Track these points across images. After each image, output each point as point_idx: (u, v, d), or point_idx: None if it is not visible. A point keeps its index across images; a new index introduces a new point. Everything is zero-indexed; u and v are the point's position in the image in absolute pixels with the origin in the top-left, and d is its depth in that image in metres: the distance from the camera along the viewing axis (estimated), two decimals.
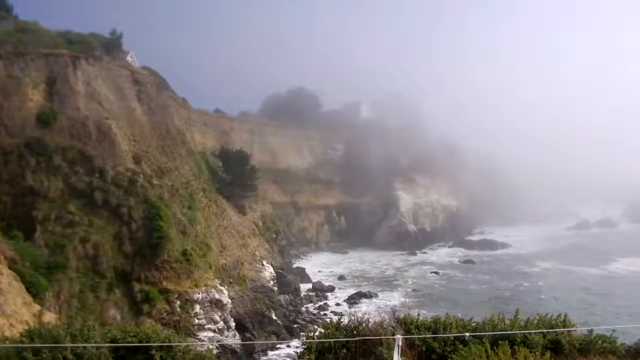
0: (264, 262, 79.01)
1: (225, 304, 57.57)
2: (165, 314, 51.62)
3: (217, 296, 56.73)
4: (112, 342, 11.42)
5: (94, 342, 11.06)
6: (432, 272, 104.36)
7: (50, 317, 33.89)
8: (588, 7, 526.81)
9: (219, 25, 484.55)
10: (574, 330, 13.49)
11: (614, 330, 13.77)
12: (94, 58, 67.76)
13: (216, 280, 59.65)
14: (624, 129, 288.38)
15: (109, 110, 64.20)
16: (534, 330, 12.85)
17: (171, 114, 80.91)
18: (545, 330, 13.01)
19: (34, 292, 39.09)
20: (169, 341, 11.79)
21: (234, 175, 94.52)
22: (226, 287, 61.17)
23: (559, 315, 13.83)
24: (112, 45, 75.93)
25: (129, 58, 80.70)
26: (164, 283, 52.89)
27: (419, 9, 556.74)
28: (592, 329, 13.59)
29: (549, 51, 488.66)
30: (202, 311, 54.37)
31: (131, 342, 11.41)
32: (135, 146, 64.52)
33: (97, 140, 59.44)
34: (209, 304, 55.61)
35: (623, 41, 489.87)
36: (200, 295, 54.82)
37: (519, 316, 13.63)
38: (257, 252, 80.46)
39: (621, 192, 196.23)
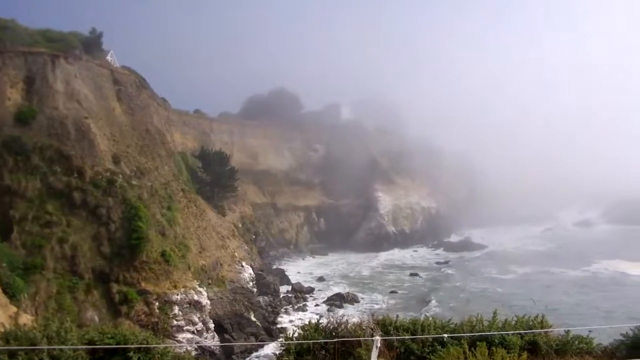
0: (243, 264, 78.85)
1: (204, 306, 57.36)
2: (143, 315, 51.28)
3: (196, 297, 56.50)
4: (89, 343, 11.33)
5: (71, 344, 10.97)
6: (410, 274, 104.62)
7: (26, 318, 33.59)
8: (576, 7, 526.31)
9: (199, 25, 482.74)
10: (551, 331, 13.56)
11: (590, 331, 13.88)
12: (74, 57, 67.40)
13: (195, 281, 59.41)
14: (605, 131, 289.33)
15: (88, 109, 63.87)
16: (511, 331, 12.93)
17: (151, 114, 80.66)
18: (522, 331, 13.09)
19: (10, 293, 38.78)
20: (147, 343, 11.71)
21: (213, 176, 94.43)
22: (205, 288, 60.93)
23: (537, 316, 13.93)
24: (91, 44, 75.54)
25: (108, 57, 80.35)
26: (143, 284, 52.59)
27: (402, 9, 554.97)
28: (569, 330, 13.69)
29: (534, 53, 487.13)
30: (180, 312, 54.09)
31: (109, 344, 11.33)
32: (115, 146, 64.27)
33: (75, 140, 59.12)
34: (188, 306, 55.35)
35: (612, 43, 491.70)
36: (179, 297, 54.56)
37: (497, 317, 13.72)
38: (236, 253, 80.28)
39: (599, 193, 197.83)
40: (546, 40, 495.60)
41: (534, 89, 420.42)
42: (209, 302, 58.91)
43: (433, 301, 79.70)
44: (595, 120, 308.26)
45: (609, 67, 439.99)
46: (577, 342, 13.39)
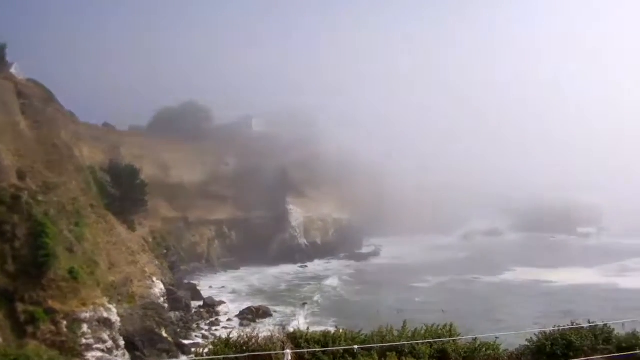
0: (154, 279, 77.81)
1: (114, 323, 56.48)
2: (50, 334, 50.12)
3: (105, 315, 55.59)
4: None
5: None
6: (322, 285, 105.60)
7: None
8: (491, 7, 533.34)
9: (106, 37, 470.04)
10: (460, 339, 13.75)
11: (497, 337, 14.21)
12: None
13: (104, 298, 58.40)
14: (515, 141, 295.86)
15: None
16: (421, 341, 13.10)
17: (58, 128, 78.84)
18: (432, 340, 13.24)
19: None
20: None
21: (123, 191, 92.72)
22: (115, 305, 59.95)
23: (445, 325, 14.12)
24: None
25: (12, 70, 78.18)
26: (50, 303, 51.41)
27: (312, 18, 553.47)
28: (476, 337, 14.00)
29: (451, 56, 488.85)
30: (89, 331, 53.13)
31: None
32: (20, 161, 62.59)
33: None
34: (97, 323, 54.39)
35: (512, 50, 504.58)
36: (87, 314, 53.56)
37: (406, 327, 13.90)
38: (147, 269, 79.16)
39: (507, 202, 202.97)
40: (464, 42, 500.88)
41: (444, 97, 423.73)
42: (119, 319, 57.98)
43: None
44: (504, 129, 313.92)
45: (525, 71, 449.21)
46: (484, 349, 13.66)
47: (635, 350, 13.68)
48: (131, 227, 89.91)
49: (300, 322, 71.91)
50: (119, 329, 57.45)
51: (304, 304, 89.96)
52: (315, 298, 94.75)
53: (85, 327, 52.77)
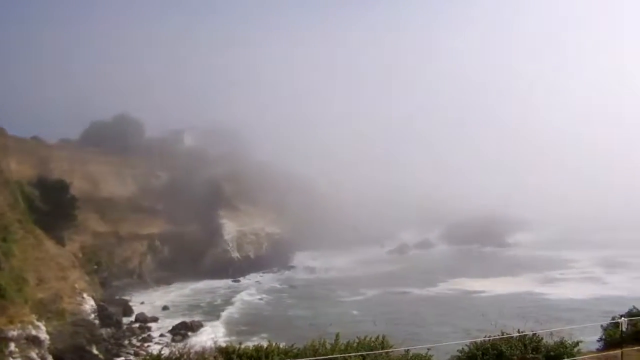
0: (85, 295, 76.56)
1: (43, 341, 55.37)
2: None
3: (33, 332, 54.46)
4: None
5: None
6: (257, 299, 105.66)
7: None
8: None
9: (35, 47, 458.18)
10: (392, 351, 14.06)
11: (429, 349, 14.71)
12: None
13: (33, 315, 57.26)
14: (445, 153, 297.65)
15: None
16: (353, 353, 13.33)
17: None
18: (364, 353, 13.49)
19: None
20: None
21: (52, 206, 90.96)
22: (44, 322, 58.82)
23: (377, 337, 14.44)
24: None
25: None
26: None
27: (247, 30, 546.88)
28: (408, 349, 14.49)
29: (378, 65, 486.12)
30: (17, 349, 51.93)
31: None
32: None
33: None
34: (25, 341, 53.23)
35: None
36: (15, 333, 52.37)
37: (339, 340, 14.10)
38: (77, 285, 77.83)
39: (437, 215, 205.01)
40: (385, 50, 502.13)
41: (360, 110, 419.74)
42: (48, 336, 56.83)
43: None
44: (432, 141, 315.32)
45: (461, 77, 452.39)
46: None
47: (563, 359, 14.70)
48: (61, 243, 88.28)
49: (219, 337, 72.04)
50: (48, 347, 56.36)
51: (219, 317, 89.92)
52: (238, 313, 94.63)
53: (12, 346, 51.61)
